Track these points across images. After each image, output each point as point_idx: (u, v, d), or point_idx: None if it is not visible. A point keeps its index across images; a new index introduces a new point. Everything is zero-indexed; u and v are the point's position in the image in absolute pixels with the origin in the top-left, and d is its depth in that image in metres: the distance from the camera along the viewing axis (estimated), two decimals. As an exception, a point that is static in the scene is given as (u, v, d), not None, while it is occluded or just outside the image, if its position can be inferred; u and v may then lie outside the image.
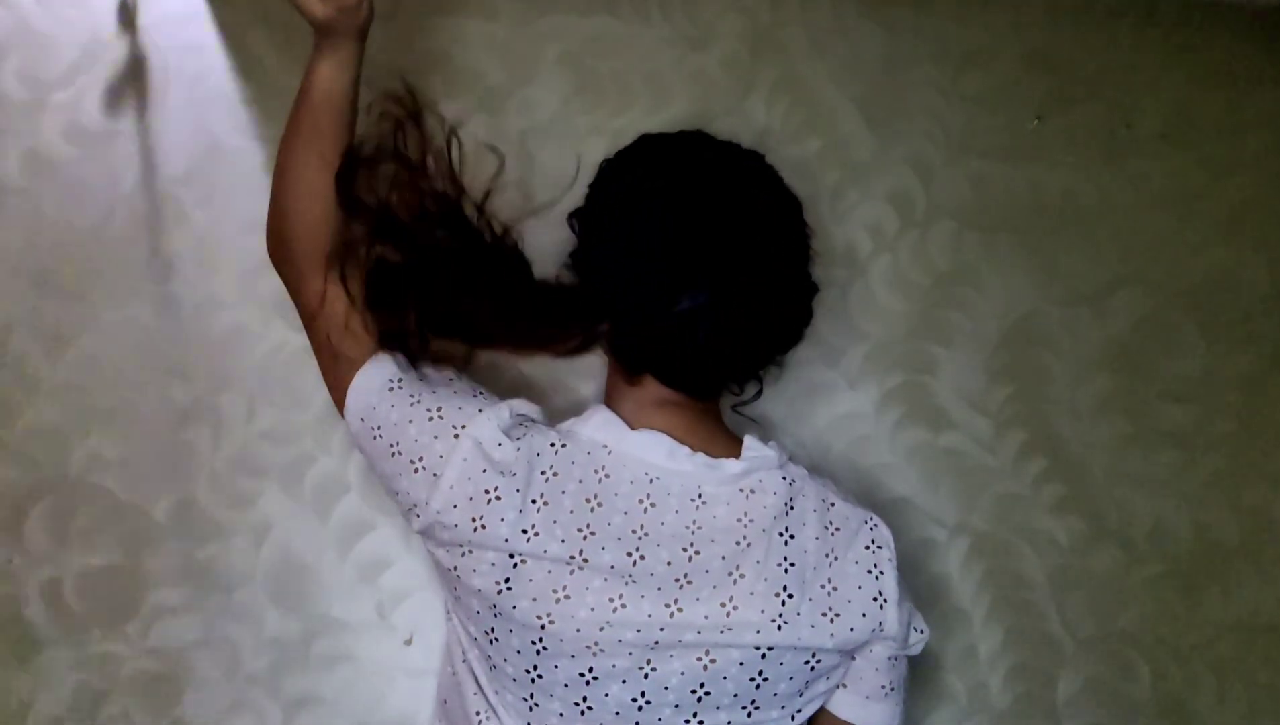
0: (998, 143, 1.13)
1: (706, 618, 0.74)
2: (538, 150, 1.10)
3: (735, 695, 0.75)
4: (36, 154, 1.07)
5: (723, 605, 0.75)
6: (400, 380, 0.81)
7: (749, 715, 0.76)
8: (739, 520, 0.78)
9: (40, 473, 1.04)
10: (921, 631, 0.83)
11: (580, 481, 0.77)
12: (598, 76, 1.11)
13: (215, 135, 1.08)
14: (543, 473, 0.77)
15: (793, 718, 0.79)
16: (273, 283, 1.07)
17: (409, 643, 1.04)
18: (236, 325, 1.07)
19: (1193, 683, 1.07)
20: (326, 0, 0.79)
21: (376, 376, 0.81)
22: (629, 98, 1.11)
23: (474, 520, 0.75)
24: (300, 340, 1.05)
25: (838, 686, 0.81)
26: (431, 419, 0.79)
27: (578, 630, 0.74)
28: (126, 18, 1.08)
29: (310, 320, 0.86)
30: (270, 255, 0.89)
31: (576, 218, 0.90)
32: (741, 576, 0.75)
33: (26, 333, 1.05)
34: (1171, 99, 1.14)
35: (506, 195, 1.08)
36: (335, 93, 0.83)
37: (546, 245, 1.07)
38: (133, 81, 1.08)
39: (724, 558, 0.76)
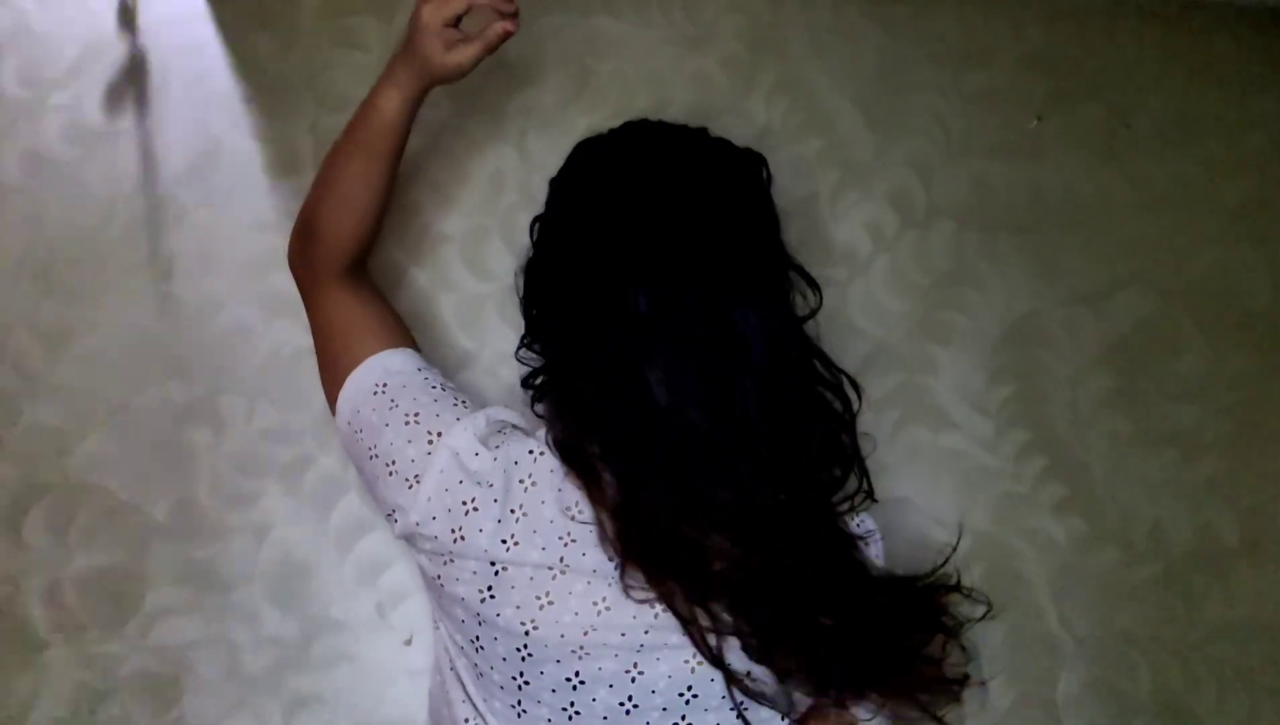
0: (998, 143, 1.13)
1: None
2: (538, 150, 1.10)
3: (723, 697, 0.75)
4: (36, 154, 1.07)
5: None
6: (384, 385, 0.82)
7: (737, 716, 0.76)
8: None
9: (40, 473, 1.04)
10: None
11: (560, 489, 0.77)
12: (598, 76, 1.11)
13: (215, 135, 1.08)
14: (521, 482, 0.77)
15: (784, 716, 0.78)
16: (273, 283, 1.07)
17: (409, 643, 1.04)
18: (236, 325, 1.07)
19: (1193, 683, 1.07)
20: (455, 49, 0.82)
21: (364, 381, 0.83)
22: (629, 98, 1.10)
23: (453, 532, 0.75)
24: (300, 340, 1.05)
25: None
26: (407, 423, 0.79)
27: (562, 635, 0.74)
28: (126, 18, 1.09)
29: (317, 325, 0.89)
30: (290, 255, 0.91)
31: (536, 224, 0.90)
32: None
33: (26, 333, 1.05)
34: (1171, 99, 1.14)
35: (507, 197, 1.10)
36: (395, 123, 0.86)
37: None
38: (133, 81, 1.08)
39: None
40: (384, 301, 0.92)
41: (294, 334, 1.06)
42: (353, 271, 0.89)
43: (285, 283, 1.07)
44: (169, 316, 1.07)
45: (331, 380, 0.86)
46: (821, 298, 0.86)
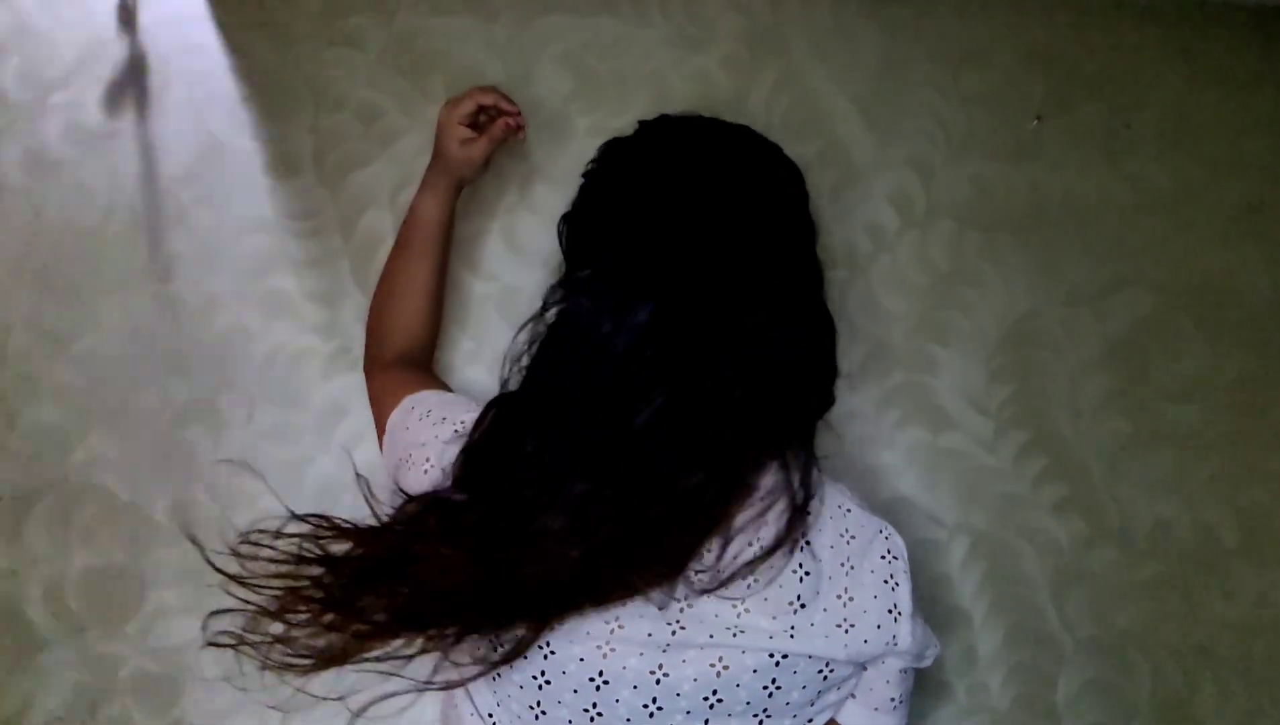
0: (998, 143, 1.13)
1: (716, 616, 0.72)
2: (538, 150, 1.10)
3: (748, 703, 0.74)
4: (36, 154, 1.07)
5: (734, 606, 0.73)
6: (412, 408, 0.85)
7: (760, 723, 0.76)
8: (751, 523, 0.76)
9: (40, 473, 1.04)
10: (935, 645, 0.82)
11: None
12: (598, 76, 1.11)
13: (215, 135, 1.08)
14: None
15: None
16: (273, 283, 1.07)
17: (409, 643, 1.04)
18: (236, 325, 1.07)
19: (1193, 683, 1.07)
20: (467, 145, 0.92)
21: (397, 416, 0.86)
22: (629, 98, 1.10)
23: None
24: (299, 340, 1.05)
25: (848, 696, 0.80)
26: (426, 416, 0.82)
27: (587, 633, 0.73)
28: (126, 18, 1.08)
29: (371, 403, 0.93)
30: (364, 355, 0.98)
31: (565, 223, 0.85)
32: (755, 580, 0.74)
33: (26, 333, 1.05)
34: (1171, 99, 1.14)
35: (507, 197, 1.10)
36: (428, 221, 0.95)
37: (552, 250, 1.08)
38: (133, 81, 1.08)
39: (735, 558, 0.75)
40: (432, 376, 0.96)
41: (294, 334, 1.06)
42: (406, 361, 0.94)
43: (285, 283, 1.07)
44: (169, 316, 1.06)
45: (380, 436, 0.89)
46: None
